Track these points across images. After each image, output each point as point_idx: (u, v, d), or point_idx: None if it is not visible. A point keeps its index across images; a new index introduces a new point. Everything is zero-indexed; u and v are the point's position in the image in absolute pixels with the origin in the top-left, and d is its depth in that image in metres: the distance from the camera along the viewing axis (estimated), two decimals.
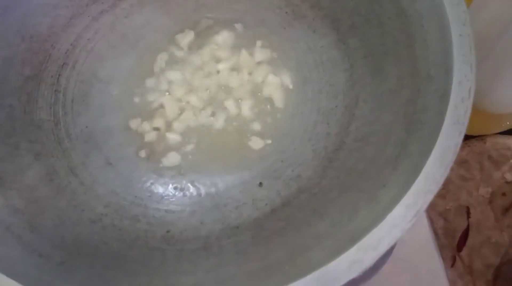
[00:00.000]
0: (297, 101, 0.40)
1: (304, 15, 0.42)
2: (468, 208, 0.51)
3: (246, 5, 0.43)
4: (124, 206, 0.36)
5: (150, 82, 0.42)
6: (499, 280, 0.49)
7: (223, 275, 0.29)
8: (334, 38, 0.40)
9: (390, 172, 0.30)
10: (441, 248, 0.48)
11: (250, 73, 0.41)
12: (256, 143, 0.39)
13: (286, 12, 0.42)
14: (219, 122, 0.40)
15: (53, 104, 0.40)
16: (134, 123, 0.40)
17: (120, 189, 0.37)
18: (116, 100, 0.41)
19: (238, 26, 0.43)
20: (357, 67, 0.38)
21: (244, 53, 0.41)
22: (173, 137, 0.40)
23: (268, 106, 0.40)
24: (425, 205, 0.27)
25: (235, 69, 0.42)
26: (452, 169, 0.27)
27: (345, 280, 0.25)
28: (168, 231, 0.35)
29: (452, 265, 0.49)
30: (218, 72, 0.42)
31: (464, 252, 0.50)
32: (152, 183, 0.38)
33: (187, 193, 0.38)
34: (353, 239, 0.26)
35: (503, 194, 0.51)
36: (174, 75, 0.41)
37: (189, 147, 0.40)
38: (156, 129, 0.40)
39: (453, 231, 0.51)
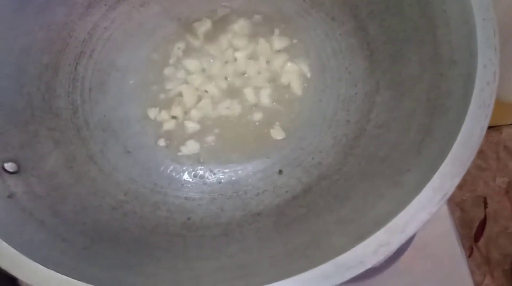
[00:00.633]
0: (316, 88, 0.40)
1: (322, 3, 0.41)
2: (485, 199, 0.51)
3: None
4: (144, 193, 0.36)
5: (167, 71, 0.42)
6: None
7: (246, 260, 0.29)
8: (353, 25, 0.39)
9: (414, 157, 0.29)
10: None
11: (268, 61, 0.41)
12: (278, 133, 0.39)
13: (304, 0, 0.42)
14: (237, 110, 0.40)
15: (71, 93, 0.40)
16: (152, 112, 0.40)
17: (139, 177, 0.38)
18: (134, 89, 0.41)
19: (255, 15, 0.43)
20: (377, 54, 0.38)
21: (262, 41, 0.41)
22: (192, 125, 0.40)
23: (287, 95, 0.40)
24: (452, 188, 0.26)
25: (252, 57, 0.42)
26: None
27: (372, 263, 0.25)
28: (188, 218, 0.35)
29: (470, 255, 0.49)
30: (235, 60, 0.41)
31: (481, 242, 0.50)
32: (171, 171, 0.38)
33: (207, 180, 0.38)
34: (379, 223, 0.26)
35: None
36: (191, 64, 0.41)
37: (208, 135, 0.40)
38: (175, 117, 0.40)
39: (470, 222, 0.50)
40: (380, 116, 0.36)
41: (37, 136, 0.36)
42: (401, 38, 0.36)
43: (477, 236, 0.50)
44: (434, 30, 0.33)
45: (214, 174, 0.38)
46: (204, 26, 0.42)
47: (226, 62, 0.42)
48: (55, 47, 0.40)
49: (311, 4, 0.42)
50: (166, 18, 0.43)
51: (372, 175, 0.32)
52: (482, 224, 0.51)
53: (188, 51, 0.42)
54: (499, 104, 0.50)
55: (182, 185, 0.38)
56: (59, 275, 0.25)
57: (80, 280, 0.25)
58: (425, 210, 0.26)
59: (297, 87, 0.40)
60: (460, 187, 0.51)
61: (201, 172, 0.38)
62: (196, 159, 0.39)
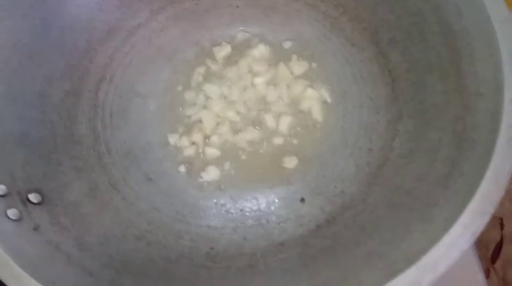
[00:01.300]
0: (337, 115, 0.40)
1: (342, 28, 0.41)
2: (501, 220, 0.51)
3: (283, 18, 0.43)
4: (166, 222, 0.36)
5: (187, 96, 0.42)
6: None
7: None
8: (374, 52, 0.39)
9: (441, 191, 0.29)
10: None
11: (288, 87, 0.41)
12: (298, 159, 0.39)
13: (324, 25, 0.42)
14: (257, 136, 0.40)
15: (92, 119, 0.40)
16: (172, 138, 0.40)
17: (161, 205, 0.38)
18: (154, 114, 0.41)
19: (275, 40, 0.43)
20: (399, 81, 0.38)
21: (282, 66, 0.41)
22: (212, 151, 0.40)
23: (307, 121, 0.40)
24: (482, 226, 0.26)
25: (272, 83, 0.42)
26: None
27: None
28: (211, 248, 0.35)
29: (487, 277, 0.48)
30: (255, 85, 0.41)
31: (498, 264, 0.49)
32: (192, 199, 0.38)
33: (228, 208, 0.38)
34: (409, 260, 0.26)
35: None
36: (211, 89, 0.41)
37: (228, 162, 0.39)
38: (195, 143, 0.40)
39: (486, 243, 0.50)
40: (404, 145, 0.35)
41: (60, 165, 0.36)
42: (424, 66, 0.36)
43: (494, 258, 0.50)
44: (458, 60, 0.33)
45: (235, 201, 0.38)
46: (224, 51, 0.43)
47: (246, 87, 0.42)
48: (76, 73, 0.40)
49: (330, 29, 0.42)
50: (186, 42, 0.43)
51: (399, 207, 0.32)
52: (499, 246, 0.50)
53: (208, 76, 0.42)
54: None
55: (204, 213, 0.38)
56: None
57: None
58: (456, 247, 0.26)
59: (317, 113, 0.40)
60: None
61: (222, 200, 0.38)
62: (216, 186, 0.39)
